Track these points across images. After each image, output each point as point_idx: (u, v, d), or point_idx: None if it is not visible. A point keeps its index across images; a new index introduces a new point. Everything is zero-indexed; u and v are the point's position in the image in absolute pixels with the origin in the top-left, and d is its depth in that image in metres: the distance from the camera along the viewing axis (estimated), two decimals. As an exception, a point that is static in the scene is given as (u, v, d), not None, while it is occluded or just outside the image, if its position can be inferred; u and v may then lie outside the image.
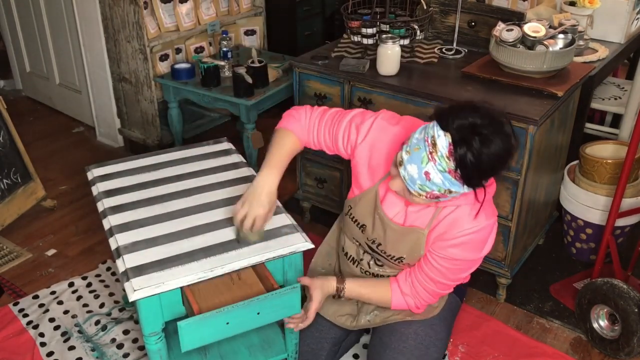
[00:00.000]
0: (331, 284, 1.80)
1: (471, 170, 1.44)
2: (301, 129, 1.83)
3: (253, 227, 1.69)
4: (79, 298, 2.51)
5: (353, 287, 1.81)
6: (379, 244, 1.79)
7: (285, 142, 1.79)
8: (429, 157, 1.45)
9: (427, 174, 1.46)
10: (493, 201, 2.27)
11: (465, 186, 1.49)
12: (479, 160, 1.42)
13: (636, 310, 2.08)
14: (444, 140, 1.43)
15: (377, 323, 1.91)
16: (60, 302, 2.48)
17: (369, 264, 1.87)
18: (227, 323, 1.59)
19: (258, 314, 1.63)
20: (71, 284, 2.58)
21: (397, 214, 1.72)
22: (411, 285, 1.77)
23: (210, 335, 1.59)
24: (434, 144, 1.44)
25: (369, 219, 1.78)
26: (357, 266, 1.90)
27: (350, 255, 1.91)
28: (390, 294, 1.79)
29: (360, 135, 1.75)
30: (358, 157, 1.77)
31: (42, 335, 2.32)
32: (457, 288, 1.95)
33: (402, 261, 1.77)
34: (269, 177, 1.72)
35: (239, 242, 1.73)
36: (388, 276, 1.85)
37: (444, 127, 1.43)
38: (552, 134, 2.32)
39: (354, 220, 1.83)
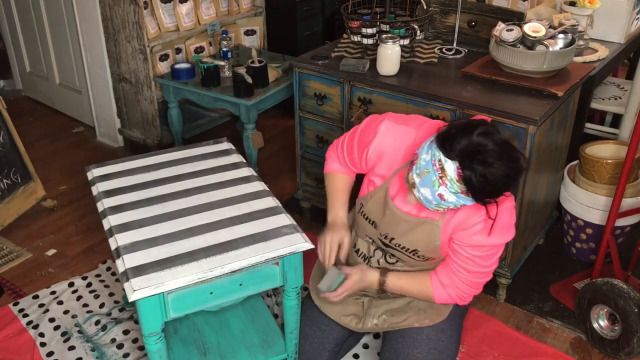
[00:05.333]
0: (373, 273, 1.83)
1: (481, 191, 1.49)
2: (340, 164, 1.95)
3: (340, 253, 1.80)
4: (79, 298, 2.51)
5: (395, 280, 1.82)
6: (392, 238, 1.80)
7: (336, 184, 1.93)
8: (439, 181, 1.51)
9: (440, 195, 1.52)
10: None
11: None
12: (487, 182, 1.47)
13: (636, 310, 2.08)
14: (451, 165, 1.48)
15: (385, 328, 1.90)
16: (60, 302, 2.48)
17: (379, 261, 1.88)
18: (211, 293, 1.67)
19: (240, 285, 1.72)
20: (71, 284, 2.58)
21: (411, 208, 1.75)
22: (449, 277, 1.77)
23: (195, 303, 1.68)
24: (442, 169, 1.49)
25: (380, 215, 1.80)
26: (367, 263, 1.91)
27: (362, 252, 1.91)
28: (431, 287, 1.79)
29: (370, 139, 1.81)
30: (370, 160, 1.82)
31: (42, 335, 2.32)
32: None
33: (416, 253, 1.78)
34: (335, 213, 1.88)
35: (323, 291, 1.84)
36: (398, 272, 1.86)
37: (448, 155, 1.48)
38: (552, 134, 2.32)
39: (365, 217, 1.86)
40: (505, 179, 1.49)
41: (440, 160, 1.49)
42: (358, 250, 1.93)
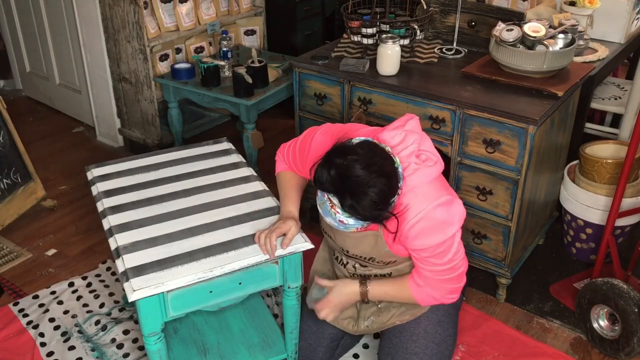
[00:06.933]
0: (353, 283, 1.81)
1: (362, 217, 1.52)
2: (289, 168, 1.93)
3: (283, 243, 1.73)
4: (79, 298, 2.51)
5: (377, 289, 1.81)
6: (347, 250, 1.82)
7: (287, 182, 1.89)
8: (333, 210, 1.54)
9: (341, 222, 1.56)
10: (493, 200, 2.28)
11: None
12: (358, 211, 1.50)
13: (636, 310, 2.08)
14: (334, 197, 1.52)
15: (376, 329, 1.91)
16: (60, 302, 2.48)
17: (354, 266, 1.88)
18: (211, 292, 1.67)
19: (240, 284, 1.72)
20: (71, 284, 2.58)
21: None
22: (422, 276, 1.75)
23: (195, 302, 1.68)
24: (330, 199, 1.53)
25: (331, 229, 1.81)
26: (345, 268, 1.91)
27: (340, 259, 1.92)
28: (410, 289, 1.78)
29: (306, 156, 1.81)
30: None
31: (42, 335, 2.32)
32: None
33: (374, 260, 1.79)
34: (284, 206, 1.83)
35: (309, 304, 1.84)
36: (375, 276, 1.85)
37: (322, 189, 1.53)
38: (552, 134, 2.32)
39: (324, 230, 1.89)
40: (373, 206, 1.50)
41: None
42: (337, 257, 1.93)
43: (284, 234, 1.72)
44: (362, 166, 1.48)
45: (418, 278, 1.76)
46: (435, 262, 1.69)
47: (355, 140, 1.58)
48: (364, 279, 1.82)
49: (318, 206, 1.60)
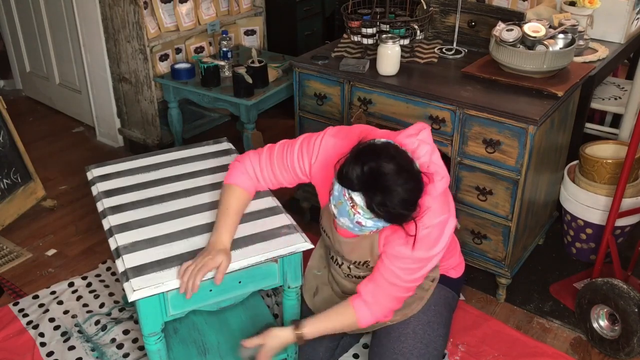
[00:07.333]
0: (285, 331, 1.72)
1: (387, 217, 1.50)
2: (249, 179, 1.81)
3: (217, 276, 1.62)
4: (79, 298, 2.51)
5: (314, 326, 1.74)
6: (343, 255, 1.82)
7: (231, 203, 1.76)
8: (353, 210, 1.51)
9: (358, 223, 1.53)
10: (493, 200, 2.28)
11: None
12: (387, 209, 1.48)
13: (636, 310, 2.08)
14: (358, 195, 1.48)
15: (368, 328, 1.87)
16: (60, 302, 2.48)
17: (349, 267, 1.86)
18: (210, 290, 1.67)
19: (239, 282, 1.71)
20: (71, 284, 2.58)
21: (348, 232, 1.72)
22: (372, 292, 1.71)
23: (194, 301, 1.67)
24: (352, 198, 1.49)
25: (331, 231, 1.81)
26: (340, 268, 1.90)
27: (336, 259, 1.92)
28: (355, 312, 1.72)
29: (313, 157, 1.76)
30: (315, 178, 1.79)
31: (42, 335, 2.32)
32: (451, 281, 1.94)
33: (368, 265, 1.78)
34: (218, 235, 1.70)
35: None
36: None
37: (348, 187, 1.49)
38: (552, 134, 2.32)
39: (322, 229, 1.87)
40: (404, 204, 1.49)
41: (348, 191, 1.50)
42: (333, 257, 1.93)
43: (215, 268, 1.62)
44: (395, 165, 1.48)
45: (369, 294, 1.71)
46: (403, 276, 1.67)
47: (378, 141, 1.56)
48: (297, 323, 1.74)
49: (332, 207, 1.56)
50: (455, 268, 2.01)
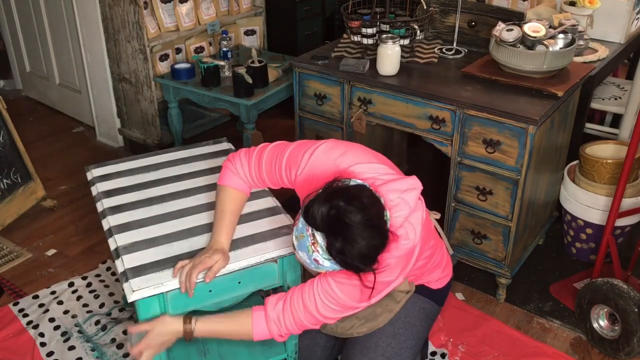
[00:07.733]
0: (175, 321, 1.66)
1: (343, 264, 1.45)
2: (240, 180, 1.79)
3: (206, 277, 1.62)
4: (79, 298, 2.51)
5: (206, 325, 1.68)
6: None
7: (226, 205, 1.75)
8: (312, 247, 1.45)
9: (315, 260, 1.47)
10: (493, 200, 2.28)
11: None
12: (345, 259, 1.43)
13: (636, 310, 2.08)
14: (320, 235, 1.43)
15: (339, 333, 1.83)
16: (60, 302, 2.48)
17: None
18: (210, 291, 1.67)
19: (239, 283, 1.71)
20: (71, 284, 2.58)
21: None
22: (281, 310, 1.66)
23: (194, 301, 1.67)
24: (314, 235, 1.44)
25: None
26: None
27: None
28: (252, 323, 1.67)
29: (299, 169, 1.70)
30: (298, 188, 1.73)
31: (42, 335, 2.32)
32: (431, 292, 1.88)
33: None
34: (216, 237, 1.70)
35: None
36: None
37: (313, 226, 1.43)
38: (552, 134, 2.32)
39: None
40: (363, 259, 1.44)
41: (312, 228, 1.45)
42: None
43: (210, 267, 1.62)
44: (363, 217, 1.42)
45: (273, 312, 1.65)
46: (322, 311, 1.62)
47: (354, 182, 1.50)
48: (190, 318, 1.68)
49: (294, 238, 1.50)
50: (439, 280, 1.92)
